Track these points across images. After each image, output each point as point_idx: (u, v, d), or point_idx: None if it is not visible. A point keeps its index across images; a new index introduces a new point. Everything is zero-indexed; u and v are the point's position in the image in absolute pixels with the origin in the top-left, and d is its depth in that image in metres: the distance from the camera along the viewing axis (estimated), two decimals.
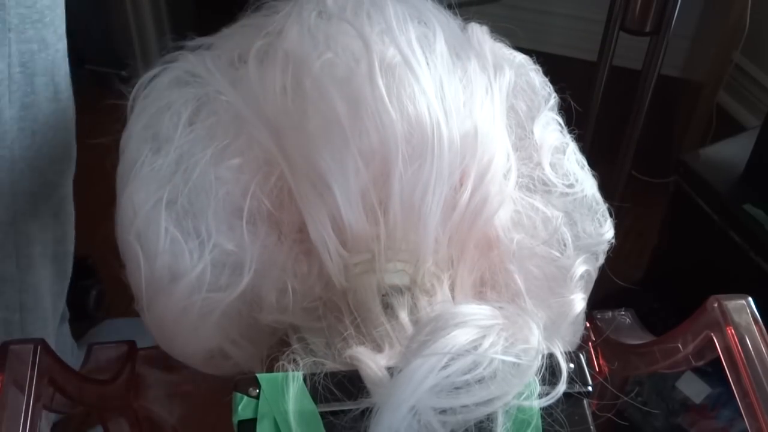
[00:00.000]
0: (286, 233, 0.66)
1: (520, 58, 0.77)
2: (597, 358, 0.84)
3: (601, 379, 0.84)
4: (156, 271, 0.66)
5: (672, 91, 1.92)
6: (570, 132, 0.76)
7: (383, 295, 0.64)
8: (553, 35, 2.08)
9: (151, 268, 0.66)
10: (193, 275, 0.65)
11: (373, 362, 0.55)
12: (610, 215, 0.73)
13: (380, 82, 0.64)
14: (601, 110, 1.48)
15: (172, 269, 0.66)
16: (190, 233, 0.66)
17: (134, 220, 0.66)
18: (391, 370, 0.54)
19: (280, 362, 0.64)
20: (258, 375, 0.55)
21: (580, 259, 0.70)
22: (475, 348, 0.50)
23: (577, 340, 0.76)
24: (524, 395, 0.54)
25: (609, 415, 0.67)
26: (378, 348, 0.64)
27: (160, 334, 0.70)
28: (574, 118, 0.78)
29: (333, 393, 0.55)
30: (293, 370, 0.57)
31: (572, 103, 0.77)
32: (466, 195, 0.65)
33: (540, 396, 0.55)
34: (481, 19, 0.79)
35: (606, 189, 0.75)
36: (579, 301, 0.72)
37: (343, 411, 0.54)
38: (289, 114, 0.66)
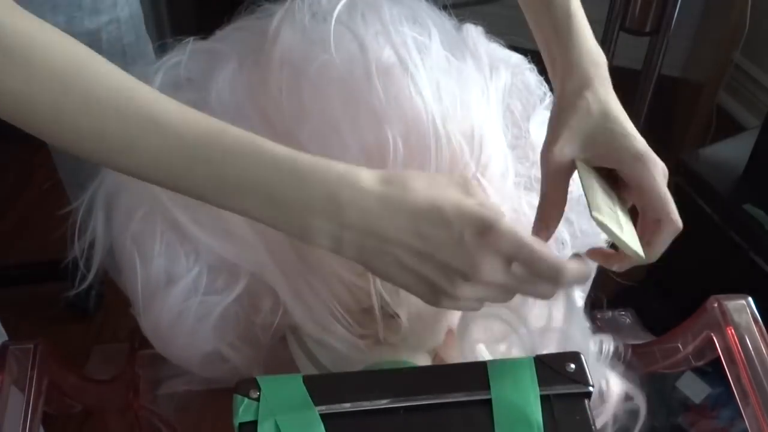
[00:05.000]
0: None
1: (515, 57, 0.77)
2: None
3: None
4: (152, 275, 0.66)
5: (672, 91, 1.92)
6: None
7: (381, 294, 0.64)
8: None
9: (147, 272, 0.66)
10: (189, 278, 0.65)
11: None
12: None
13: (377, 84, 0.64)
14: None
15: (169, 272, 0.66)
16: (186, 236, 0.66)
17: (129, 225, 0.66)
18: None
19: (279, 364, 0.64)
20: (258, 377, 0.55)
21: None
22: None
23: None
24: (525, 395, 0.55)
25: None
26: (375, 342, 0.64)
27: (157, 338, 0.70)
28: None
29: (332, 395, 0.55)
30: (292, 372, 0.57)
31: None
32: None
33: (541, 397, 0.55)
34: (481, 19, 0.78)
35: None
36: (576, 299, 0.72)
37: (342, 413, 0.54)
38: (286, 116, 0.66)
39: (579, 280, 0.56)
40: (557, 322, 0.66)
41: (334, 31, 0.66)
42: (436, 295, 0.54)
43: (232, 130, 0.51)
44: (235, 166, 0.50)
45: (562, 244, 0.69)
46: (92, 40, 0.97)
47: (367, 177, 0.52)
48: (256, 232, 0.64)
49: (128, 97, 0.50)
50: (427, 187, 0.52)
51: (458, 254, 0.52)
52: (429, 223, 0.52)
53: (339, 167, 0.52)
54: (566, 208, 0.68)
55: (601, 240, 0.73)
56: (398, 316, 0.64)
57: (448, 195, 0.52)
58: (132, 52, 1.04)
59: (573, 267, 0.54)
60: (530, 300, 0.62)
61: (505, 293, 0.55)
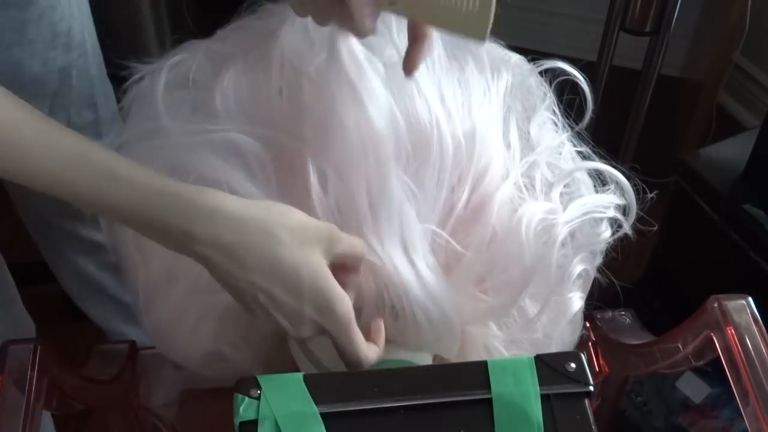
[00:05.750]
0: None
1: (516, 58, 0.77)
2: (597, 358, 0.85)
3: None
4: (153, 274, 0.66)
5: (672, 91, 1.92)
6: (572, 130, 0.76)
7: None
8: (553, 35, 2.07)
9: (147, 271, 0.66)
10: (190, 277, 0.65)
11: None
12: None
13: (379, 84, 0.64)
14: (601, 110, 1.48)
15: (169, 271, 0.66)
16: None
17: None
18: None
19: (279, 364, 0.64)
20: (258, 376, 0.55)
21: (577, 258, 0.70)
22: None
23: (575, 339, 0.76)
24: (525, 395, 0.55)
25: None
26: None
27: (158, 336, 0.70)
28: (570, 114, 0.78)
29: (333, 394, 0.55)
30: (293, 372, 0.57)
31: (561, 107, 0.77)
32: (464, 196, 0.65)
33: (541, 396, 0.55)
34: None
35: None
36: (576, 300, 0.72)
37: (343, 412, 0.54)
38: (287, 116, 0.66)
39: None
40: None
41: (335, 31, 0.66)
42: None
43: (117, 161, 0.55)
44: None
45: (563, 245, 0.69)
46: (64, 77, 0.99)
47: (241, 202, 0.57)
48: None
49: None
50: (296, 245, 0.56)
51: (292, 319, 0.58)
52: (283, 289, 0.56)
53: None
54: (564, 208, 0.68)
55: (601, 242, 0.73)
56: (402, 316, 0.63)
57: (312, 260, 0.57)
58: (97, 82, 1.06)
59: (371, 358, 0.60)
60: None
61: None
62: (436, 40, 0.70)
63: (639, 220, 0.73)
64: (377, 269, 0.62)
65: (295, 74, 0.66)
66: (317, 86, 0.65)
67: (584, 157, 0.74)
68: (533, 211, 0.66)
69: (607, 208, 0.71)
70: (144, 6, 2.12)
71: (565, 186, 0.70)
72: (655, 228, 0.75)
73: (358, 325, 0.63)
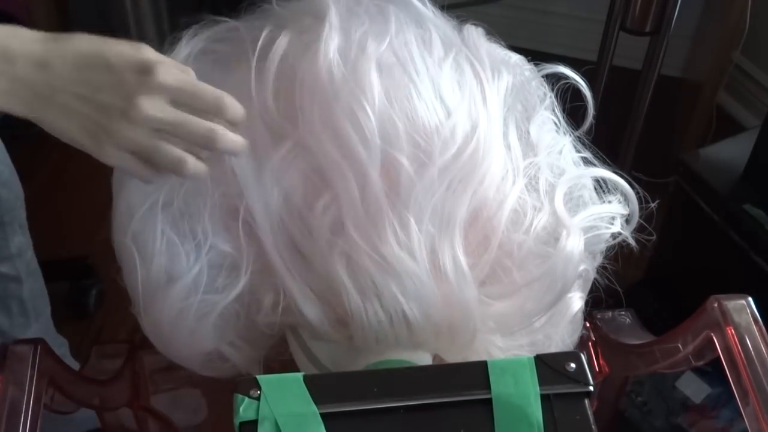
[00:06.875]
0: None
1: (515, 58, 0.77)
2: (597, 358, 0.85)
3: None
4: (152, 274, 0.66)
5: (672, 91, 1.92)
6: (572, 133, 0.76)
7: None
8: (553, 35, 2.08)
9: (147, 271, 0.66)
10: (189, 277, 0.65)
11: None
12: None
13: (379, 84, 0.64)
14: (601, 110, 1.48)
15: (169, 271, 0.66)
16: (186, 235, 0.66)
17: (130, 223, 0.66)
18: None
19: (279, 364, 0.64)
20: (258, 377, 0.55)
21: None
22: None
23: (575, 339, 0.76)
24: (525, 395, 0.55)
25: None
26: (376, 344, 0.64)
27: (157, 336, 0.70)
28: (571, 118, 0.78)
29: (333, 394, 0.55)
30: (293, 372, 0.57)
31: (561, 110, 0.77)
32: (465, 196, 0.65)
33: (541, 396, 0.55)
34: (481, 19, 0.79)
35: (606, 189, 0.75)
36: (576, 300, 0.72)
37: (343, 412, 0.54)
38: (284, 117, 0.66)
39: (238, 113, 0.60)
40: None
41: (333, 32, 0.66)
42: (96, 137, 0.58)
43: None
44: None
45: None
46: None
47: (35, 33, 0.58)
48: (253, 229, 0.64)
49: None
50: (95, 39, 0.58)
51: (117, 93, 0.57)
52: (91, 69, 0.57)
53: (7, 27, 0.57)
54: (563, 205, 0.68)
55: (600, 242, 0.73)
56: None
57: (115, 45, 0.58)
58: None
59: (231, 99, 0.60)
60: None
61: (164, 134, 0.59)
62: (435, 41, 0.70)
63: (639, 226, 0.73)
64: (375, 270, 0.62)
65: (293, 75, 0.66)
66: (315, 87, 0.65)
67: (585, 159, 0.74)
68: (578, 244, 0.66)
69: (614, 219, 0.71)
70: (144, 4, 2.12)
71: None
72: (654, 237, 0.75)
73: (349, 334, 0.63)
